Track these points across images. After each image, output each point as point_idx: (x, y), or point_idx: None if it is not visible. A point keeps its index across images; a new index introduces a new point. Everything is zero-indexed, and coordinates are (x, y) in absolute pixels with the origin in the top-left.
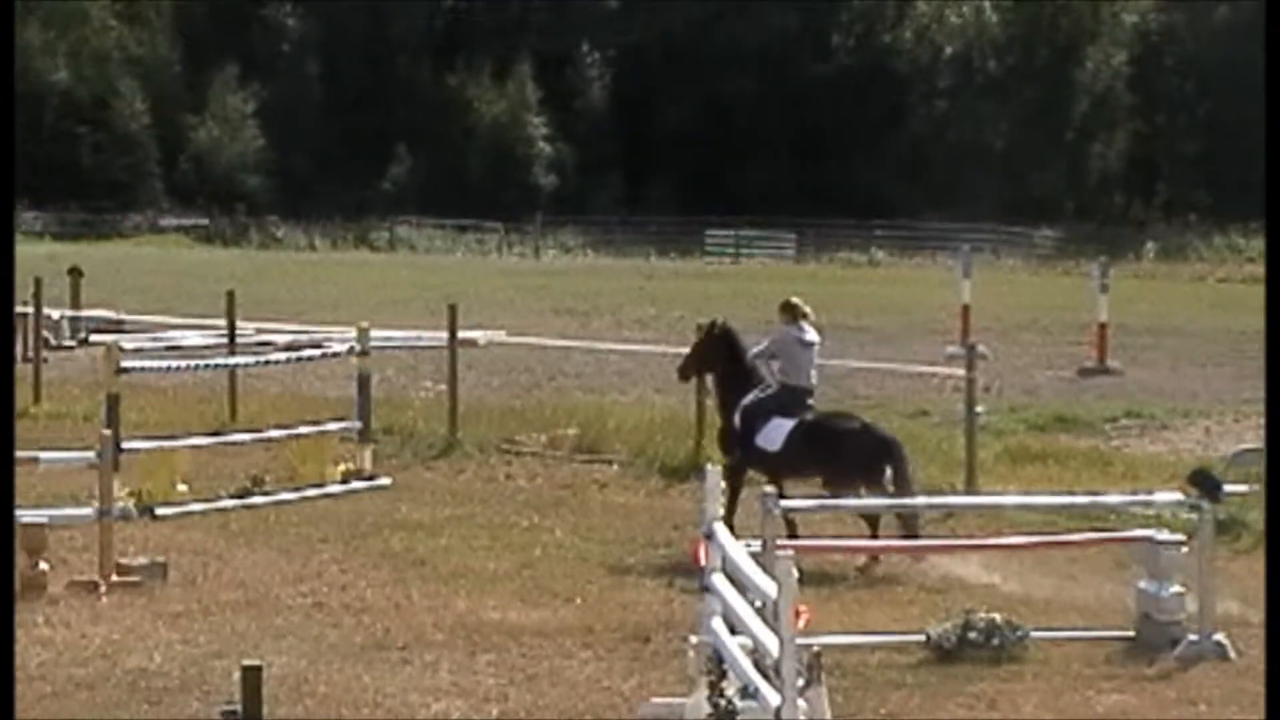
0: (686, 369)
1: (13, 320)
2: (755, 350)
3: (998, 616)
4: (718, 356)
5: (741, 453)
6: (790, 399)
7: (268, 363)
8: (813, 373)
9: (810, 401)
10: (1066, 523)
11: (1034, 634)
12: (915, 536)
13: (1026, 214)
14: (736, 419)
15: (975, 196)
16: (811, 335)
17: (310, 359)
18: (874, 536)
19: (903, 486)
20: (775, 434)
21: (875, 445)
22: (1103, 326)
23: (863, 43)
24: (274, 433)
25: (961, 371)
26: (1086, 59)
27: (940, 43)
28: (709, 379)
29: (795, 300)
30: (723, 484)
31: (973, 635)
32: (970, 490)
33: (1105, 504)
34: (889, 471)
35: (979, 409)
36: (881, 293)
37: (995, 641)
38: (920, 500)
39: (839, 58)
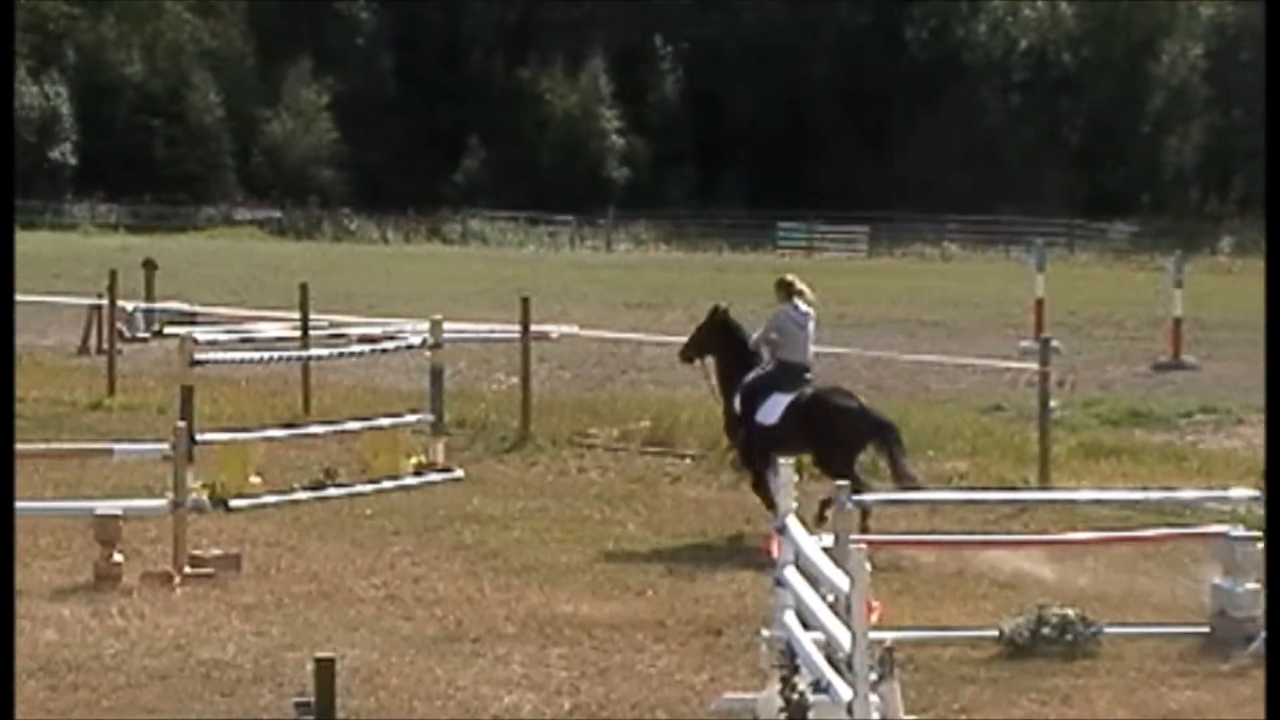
0: (688, 352)
1: (13, 316)
2: (756, 335)
3: (1071, 612)
4: (719, 340)
5: (746, 432)
6: (787, 375)
7: (341, 355)
8: (809, 349)
9: (808, 376)
10: (1140, 518)
11: (1108, 630)
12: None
13: (1101, 208)
14: (737, 401)
15: (1049, 191)
16: (808, 313)
17: (383, 351)
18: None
19: (898, 471)
20: (774, 408)
21: (869, 426)
22: (1178, 321)
23: (936, 36)
24: (347, 425)
25: (1035, 366)
26: (1162, 52)
27: (1015, 36)
28: (710, 363)
29: (790, 278)
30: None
31: (1046, 631)
32: (1044, 485)
33: (1180, 499)
34: (881, 452)
35: (1053, 404)
36: (954, 287)
37: (1069, 637)
38: (994, 495)
39: (912, 51)
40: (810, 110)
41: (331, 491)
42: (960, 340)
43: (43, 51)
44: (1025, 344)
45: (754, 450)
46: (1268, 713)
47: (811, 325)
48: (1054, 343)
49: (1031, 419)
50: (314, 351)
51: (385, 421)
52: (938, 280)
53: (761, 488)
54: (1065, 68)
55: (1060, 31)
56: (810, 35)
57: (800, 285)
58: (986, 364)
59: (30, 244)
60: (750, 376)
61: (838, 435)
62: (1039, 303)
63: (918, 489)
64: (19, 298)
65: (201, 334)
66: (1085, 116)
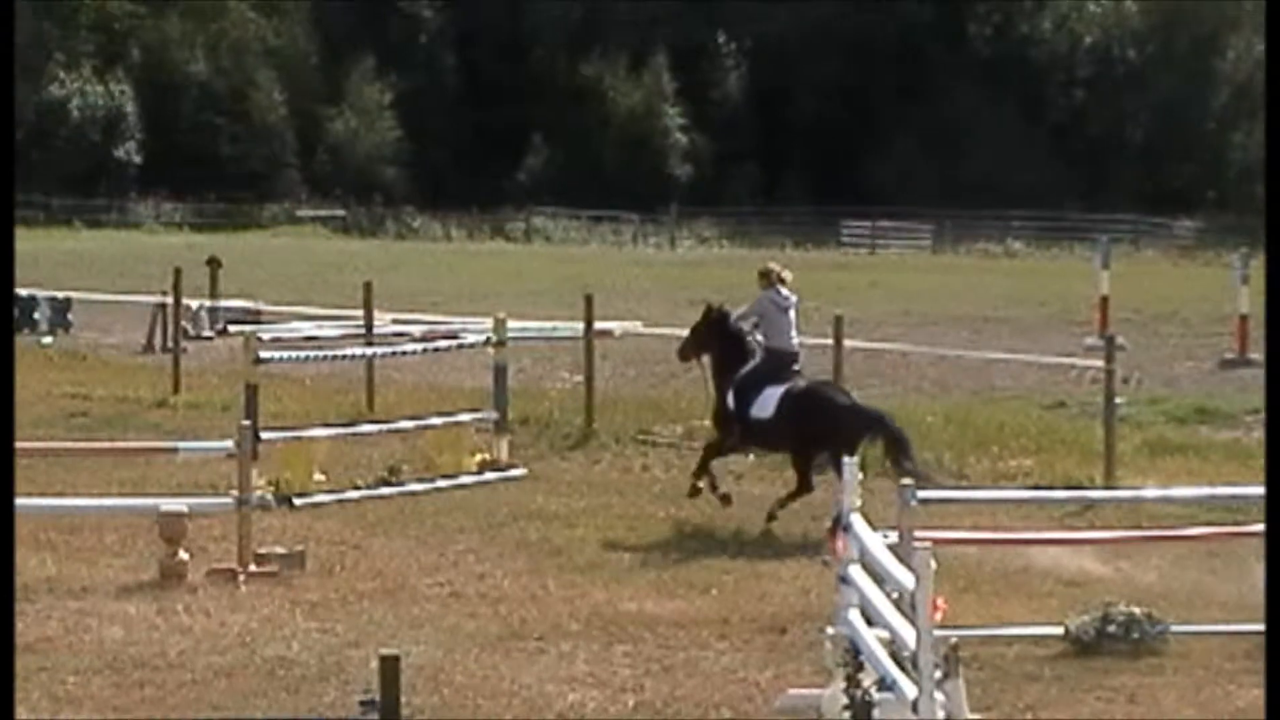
0: (686, 351)
1: (12, 311)
2: (737, 314)
3: (1137, 610)
4: (714, 338)
5: (741, 428)
6: (776, 364)
7: (404, 353)
8: (794, 335)
9: (796, 367)
10: (1206, 516)
11: (1174, 628)
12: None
13: (1166, 204)
14: (730, 397)
15: (1114, 187)
16: (790, 298)
17: (447, 349)
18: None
19: (900, 465)
20: (767, 402)
21: (863, 422)
22: (1244, 318)
23: (1000, 32)
24: (411, 423)
25: (1100, 363)
26: (1227, 48)
27: (1079, 32)
28: (707, 361)
29: (772, 265)
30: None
31: (1112, 629)
32: (1109, 483)
33: (1246, 497)
34: (877, 443)
35: (1118, 401)
36: (1019, 284)
37: (1134, 635)
38: (1059, 493)
39: (976, 47)
40: (874, 107)
41: (395, 489)
42: (1025, 337)
43: (108, 50)
44: (1090, 341)
45: (744, 445)
46: (1268, 713)
47: (794, 310)
48: (1119, 340)
49: (1096, 416)
50: (378, 350)
51: (449, 419)
52: (1002, 277)
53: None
54: (1130, 64)
55: (1125, 27)
56: (874, 31)
57: (783, 273)
58: (1051, 361)
59: (95, 243)
60: (741, 372)
61: (833, 431)
62: (1104, 299)
63: (925, 479)
64: (85, 296)
65: (266, 332)
66: (1150, 112)
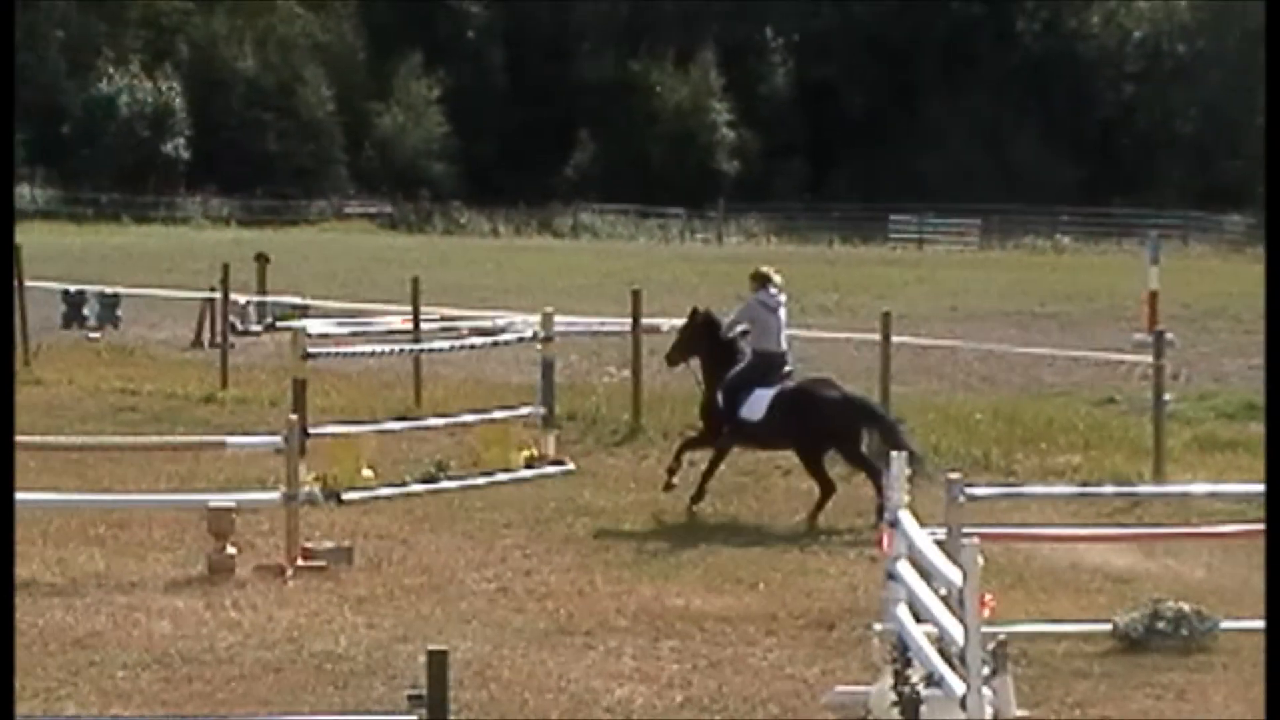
0: (674, 356)
1: (12, 306)
2: (727, 321)
3: (1186, 606)
4: (702, 341)
5: (730, 429)
6: (766, 367)
7: (452, 348)
8: (783, 337)
9: (787, 369)
10: (1256, 512)
11: (1223, 624)
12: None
13: (1216, 200)
14: (720, 397)
15: (1163, 182)
16: (779, 299)
17: (494, 345)
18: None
19: (894, 443)
20: (757, 404)
21: (857, 413)
22: None
23: (1049, 28)
24: (458, 418)
25: (1149, 359)
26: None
27: (1128, 27)
28: (696, 364)
29: (765, 269)
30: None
31: (1161, 625)
32: (1158, 479)
33: None
34: (867, 436)
35: (1167, 397)
36: (1067, 279)
37: (1184, 631)
38: (1107, 489)
39: (1024, 42)
40: (921, 102)
41: (443, 484)
42: (1073, 333)
43: (156, 47)
44: (1139, 337)
45: (732, 444)
46: (1268, 713)
47: (783, 311)
48: (1168, 335)
49: (1145, 412)
50: (425, 345)
51: (497, 414)
52: (1050, 273)
53: (710, 471)
54: (1179, 58)
55: (1174, 22)
56: (921, 26)
57: (772, 274)
58: (1100, 357)
59: (143, 238)
60: (730, 374)
61: (830, 427)
62: (1153, 295)
63: (916, 459)
64: (133, 291)
65: (314, 327)
66: (1199, 107)
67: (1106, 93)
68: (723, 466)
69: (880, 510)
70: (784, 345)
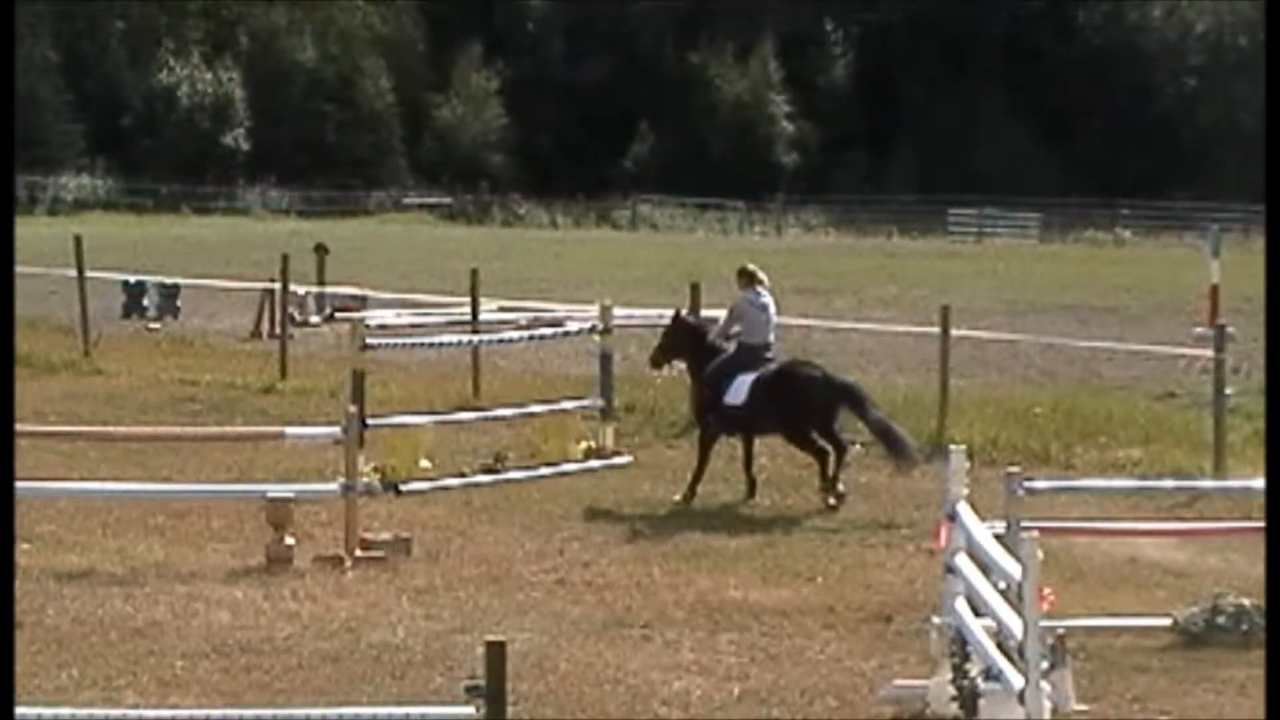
0: (657, 359)
1: (13, 311)
2: (717, 330)
3: (1247, 601)
4: (684, 343)
5: (715, 416)
6: (749, 356)
7: (511, 340)
8: (769, 332)
9: (769, 355)
10: None
11: None
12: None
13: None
14: (706, 387)
15: (1225, 176)
16: (767, 299)
17: (552, 337)
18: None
19: (871, 424)
20: (739, 388)
21: (835, 391)
22: None
23: (1110, 20)
24: (516, 410)
25: (1210, 353)
26: None
27: (1190, 20)
28: (680, 366)
29: (751, 267)
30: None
31: (1221, 620)
32: (1219, 473)
33: None
34: (840, 413)
35: (1228, 391)
36: (1127, 273)
37: (1244, 627)
38: (1168, 483)
39: (1085, 35)
40: (981, 94)
41: (501, 476)
42: (1133, 327)
43: (217, 38)
44: (1200, 330)
45: (720, 432)
46: (1268, 713)
47: (772, 308)
48: (1229, 329)
49: (1206, 406)
50: (484, 336)
51: (555, 406)
52: (1110, 266)
53: (699, 469)
54: (1241, 51)
55: (1236, 14)
56: (982, 18)
57: (760, 274)
58: (1160, 351)
59: (203, 229)
60: (713, 364)
61: (809, 404)
62: (1214, 289)
63: (897, 439)
64: (192, 282)
65: (373, 319)
66: (1262, 100)
67: (1168, 86)
68: (737, 460)
69: (832, 479)
70: (771, 339)
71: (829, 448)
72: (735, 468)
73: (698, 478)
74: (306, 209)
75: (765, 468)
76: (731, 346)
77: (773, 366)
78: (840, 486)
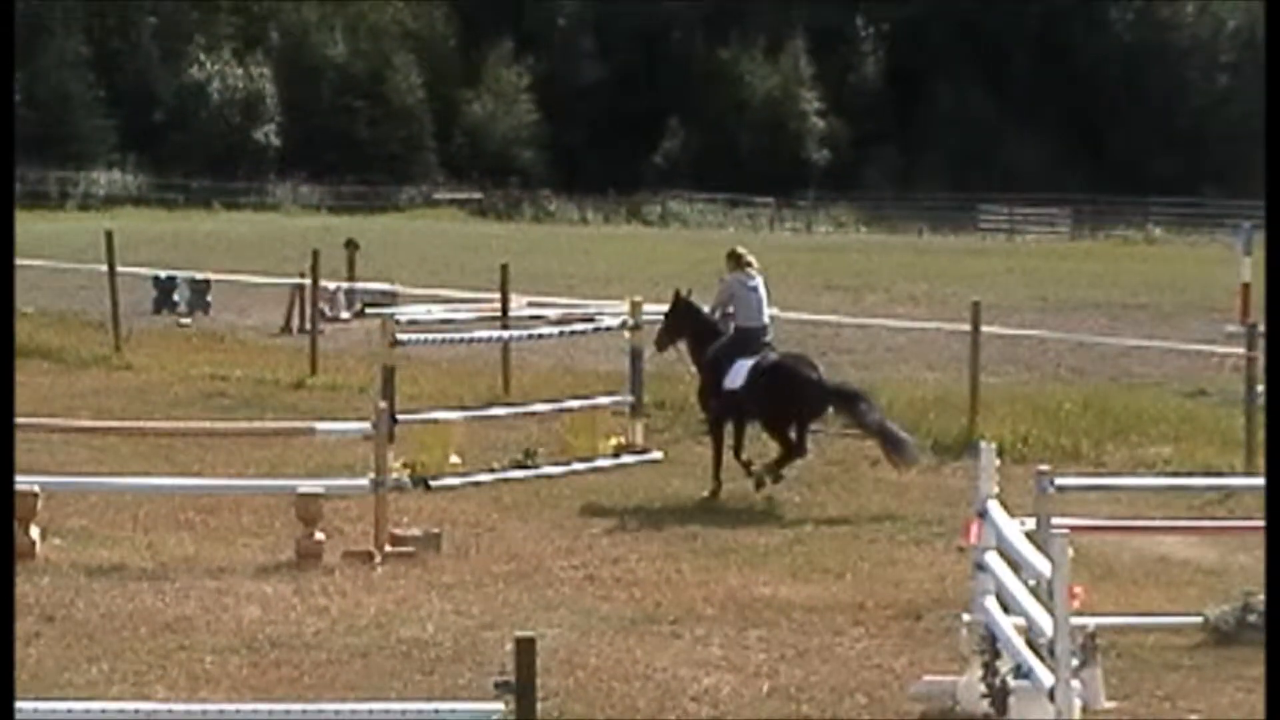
0: (661, 340)
1: (13, 309)
2: (711, 305)
3: None
4: (687, 324)
5: (716, 401)
6: (746, 340)
7: (541, 336)
8: (763, 312)
9: (767, 340)
10: None
11: None
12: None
13: None
14: (707, 373)
15: (1256, 173)
16: (757, 282)
17: (583, 333)
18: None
19: (867, 424)
20: (738, 373)
21: (827, 394)
22: None
23: (1141, 17)
24: (546, 406)
25: (1241, 350)
26: None
27: (1222, 16)
28: (684, 348)
29: (740, 250)
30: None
31: (1252, 618)
32: (1249, 471)
33: None
34: (843, 413)
35: (1259, 389)
36: (1158, 270)
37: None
38: (1198, 481)
39: (1117, 31)
40: (1012, 91)
41: (531, 472)
42: (1164, 324)
43: (248, 33)
44: (1231, 328)
45: (725, 421)
46: (1268, 713)
47: (761, 289)
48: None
49: (1237, 404)
50: (514, 332)
51: (585, 403)
52: (1141, 263)
53: (716, 457)
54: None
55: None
56: (1013, 15)
57: (748, 256)
58: (1191, 348)
59: (234, 224)
60: (713, 348)
61: (800, 402)
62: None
63: (895, 439)
64: (222, 277)
65: (403, 314)
66: None
67: (1199, 83)
68: (736, 451)
69: (776, 465)
70: (765, 320)
71: (797, 445)
72: (763, 464)
73: (717, 464)
74: (337, 204)
75: (795, 465)
76: (730, 330)
77: (772, 356)
78: (776, 478)
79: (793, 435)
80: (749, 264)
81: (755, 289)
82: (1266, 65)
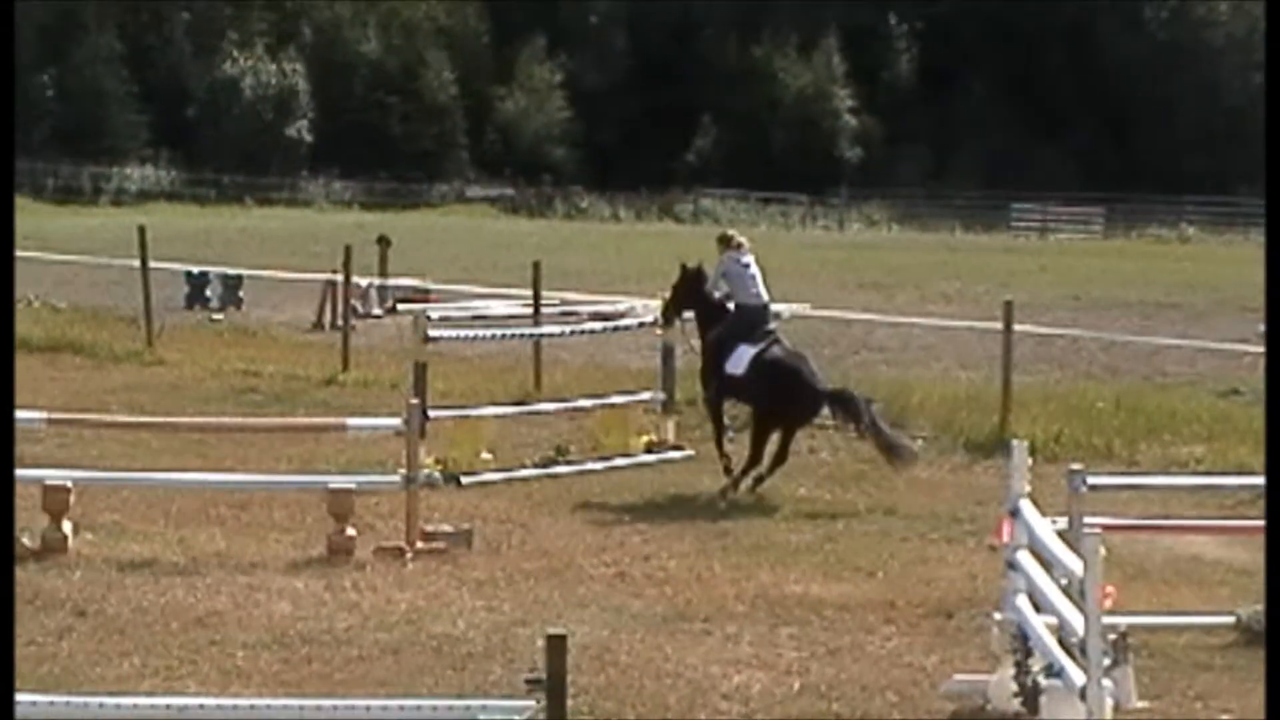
0: (668, 313)
1: (13, 302)
2: (709, 284)
3: None
4: (690, 293)
5: (717, 382)
6: (749, 320)
7: (572, 333)
8: (761, 289)
9: (770, 324)
10: None
11: None
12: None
13: None
14: (709, 354)
15: None
16: (749, 259)
17: (614, 330)
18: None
19: (864, 428)
20: (740, 359)
21: (822, 400)
22: None
23: (1176, 15)
24: (578, 403)
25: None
26: None
27: (1257, 15)
28: (692, 340)
29: (730, 232)
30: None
31: None
32: None
33: None
34: (839, 416)
35: None
36: (1192, 269)
37: None
38: (1231, 480)
39: (1151, 29)
40: (1045, 89)
41: (562, 469)
42: (1197, 323)
43: (280, 29)
44: (1264, 327)
45: (722, 401)
46: (1268, 713)
47: (754, 267)
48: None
49: None
50: (546, 329)
51: (616, 399)
52: (1174, 262)
53: (717, 436)
54: None
55: None
56: (1046, 13)
57: (739, 237)
58: (1224, 347)
59: (266, 220)
60: (716, 329)
61: (793, 405)
62: None
63: (891, 442)
64: (254, 273)
65: (435, 311)
66: None
67: (1234, 81)
68: (730, 433)
69: (743, 470)
70: (765, 297)
71: (778, 453)
72: (795, 462)
73: (719, 444)
74: (369, 201)
75: (827, 463)
76: (732, 308)
77: (776, 351)
78: (739, 487)
79: (773, 442)
80: (740, 244)
81: (749, 266)
82: (1266, 65)
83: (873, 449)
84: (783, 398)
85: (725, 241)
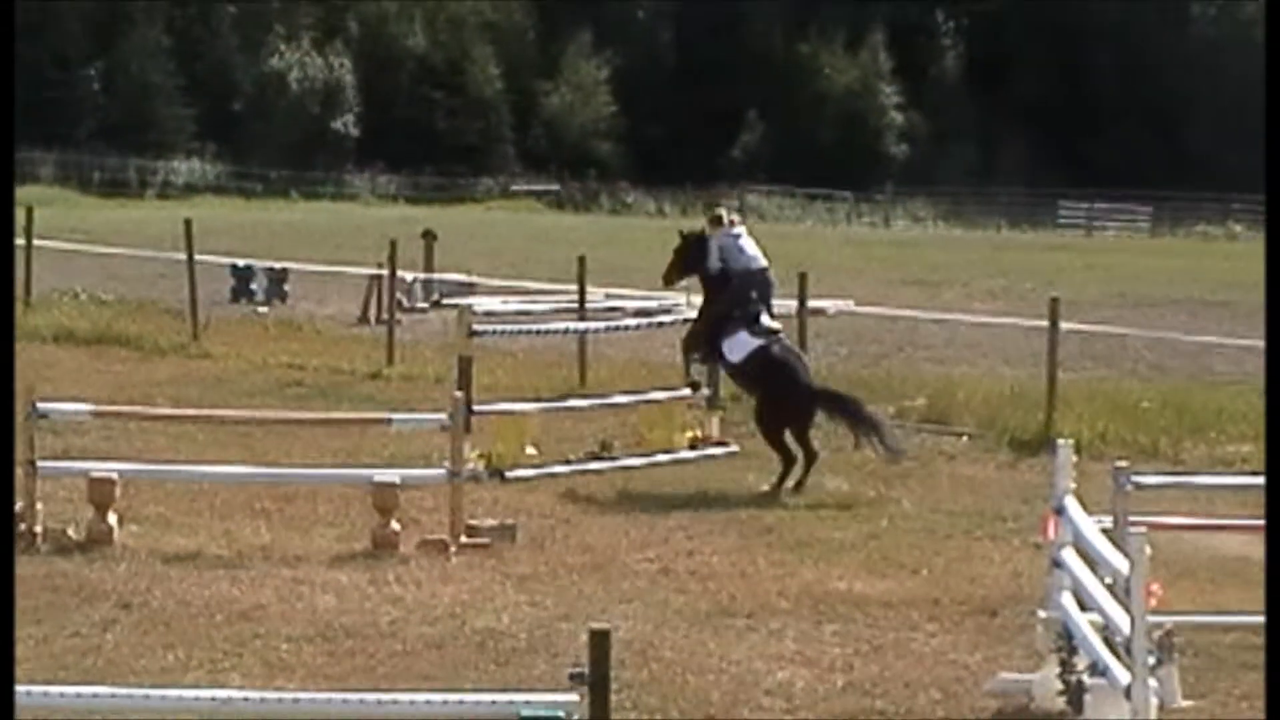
0: (670, 275)
1: (13, 307)
2: (709, 260)
3: None
4: (693, 255)
5: (708, 351)
6: (750, 286)
7: (617, 328)
8: (757, 256)
9: (772, 320)
10: None
11: None
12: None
13: None
14: (706, 326)
15: None
16: (740, 230)
17: (660, 325)
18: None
19: (856, 421)
20: (740, 347)
21: (817, 402)
22: None
23: (1224, 12)
24: (622, 398)
25: None
26: None
27: None
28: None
29: (719, 211)
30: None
31: None
32: None
33: None
34: (835, 418)
35: None
36: (1239, 267)
37: None
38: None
39: (1199, 27)
40: (1092, 86)
41: (606, 464)
42: (1245, 321)
43: (327, 23)
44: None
45: (708, 362)
46: (1268, 713)
47: (745, 238)
48: None
49: None
50: (590, 324)
51: (660, 395)
52: (1222, 260)
53: (686, 366)
54: None
55: None
56: (1093, 9)
57: (729, 215)
58: None
59: (312, 214)
60: (719, 306)
61: (788, 405)
62: None
63: (881, 437)
64: (301, 267)
65: (480, 305)
66: None
67: None
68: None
69: (780, 476)
70: (763, 262)
71: (806, 452)
72: (840, 458)
73: (687, 366)
74: (415, 195)
75: (870, 459)
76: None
77: (775, 350)
78: (797, 486)
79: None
80: (731, 221)
81: (739, 237)
82: (1267, 65)
83: (873, 450)
84: (777, 396)
85: (716, 221)
